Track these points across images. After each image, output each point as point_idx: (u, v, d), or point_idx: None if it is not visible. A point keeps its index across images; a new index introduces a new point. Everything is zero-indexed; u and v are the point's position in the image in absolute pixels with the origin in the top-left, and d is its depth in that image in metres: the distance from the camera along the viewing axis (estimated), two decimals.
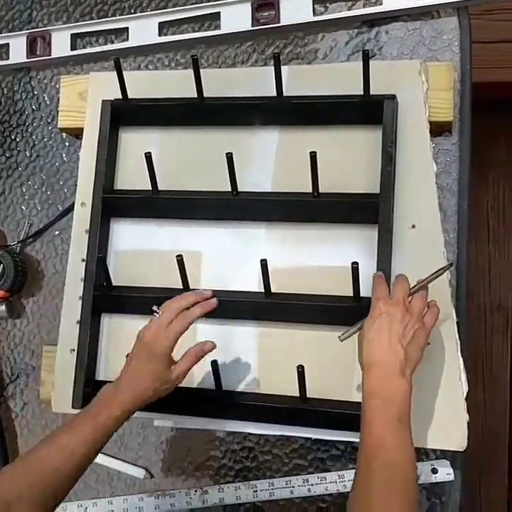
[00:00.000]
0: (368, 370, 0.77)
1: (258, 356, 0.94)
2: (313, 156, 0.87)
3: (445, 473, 0.92)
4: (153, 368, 0.82)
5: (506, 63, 1.49)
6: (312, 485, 0.95)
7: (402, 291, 0.81)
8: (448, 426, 0.87)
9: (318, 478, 0.96)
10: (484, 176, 1.63)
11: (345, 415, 0.88)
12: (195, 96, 0.98)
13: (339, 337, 0.83)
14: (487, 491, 1.54)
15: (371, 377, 0.76)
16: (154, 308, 0.85)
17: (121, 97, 1.01)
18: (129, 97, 1.01)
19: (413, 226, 0.91)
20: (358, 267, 0.85)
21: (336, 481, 0.95)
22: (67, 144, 1.11)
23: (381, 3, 0.99)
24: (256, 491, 0.97)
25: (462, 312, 0.92)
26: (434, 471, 0.92)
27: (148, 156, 0.94)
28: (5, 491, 0.73)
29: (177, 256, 0.90)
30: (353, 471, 0.93)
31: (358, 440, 0.89)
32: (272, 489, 0.97)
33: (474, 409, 1.52)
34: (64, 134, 1.11)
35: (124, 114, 1.02)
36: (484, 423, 1.56)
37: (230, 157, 0.91)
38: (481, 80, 1.41)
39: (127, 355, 0.90)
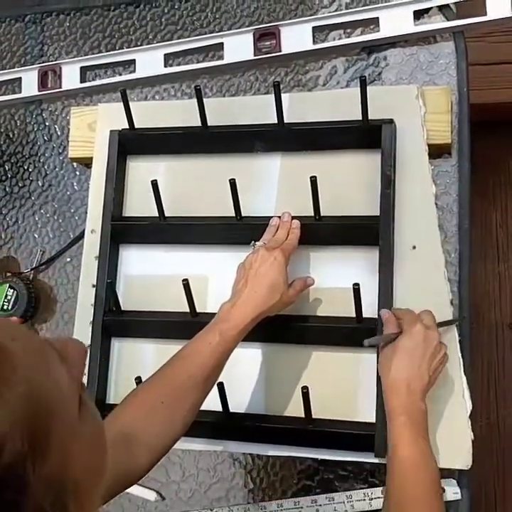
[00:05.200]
0: (395, 387, 0.82)
1: (263, 377, 0.96)
2: (313, 180, 0.90)
3: (452, 492, 0.91)
4: (273, 278, 0.86)
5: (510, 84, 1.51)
6: (320, 505, 0.95)
7: (433, 319, 0.86)
8: (452, 444, 0.87)
9: (326, 498, 0.96)
10: (492, 194, 1.64)
11: (350, 435, 0.89)
12: (200, 125, 1.01)
13: (363, 342, 0.85)
14: (503, 510, 1.53)
15: (399, 396, 0.82)
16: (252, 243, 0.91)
17: (128, 127, 1.04)
18: (136, 126, 1.04)
19: (414, 247, 0.92)
20: (359, 288, 0.86)
21: (344, 502, 0.95)
22: (77, 173, 1.14)
23: (378, 30, 1.02)
24: None
25: (465, 331, 0.93)
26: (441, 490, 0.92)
27: (154, 184, 0.96)
28: (147, 398, 0.79)
29: (183, 280, 0.93)
30: (360, 491, 0.94)
31: (363, 460, 0.91)
32: (281, 510, 0.97)
33: (487, 428, 1.52)
34: (75, 164, 1.14)
35: (131, 143, 1.05)
36: (498, 442, 1.55)
37: (233, 183, 0.93)
38: (486, 101, 1.44)
39: (136, 379, 0.92)
